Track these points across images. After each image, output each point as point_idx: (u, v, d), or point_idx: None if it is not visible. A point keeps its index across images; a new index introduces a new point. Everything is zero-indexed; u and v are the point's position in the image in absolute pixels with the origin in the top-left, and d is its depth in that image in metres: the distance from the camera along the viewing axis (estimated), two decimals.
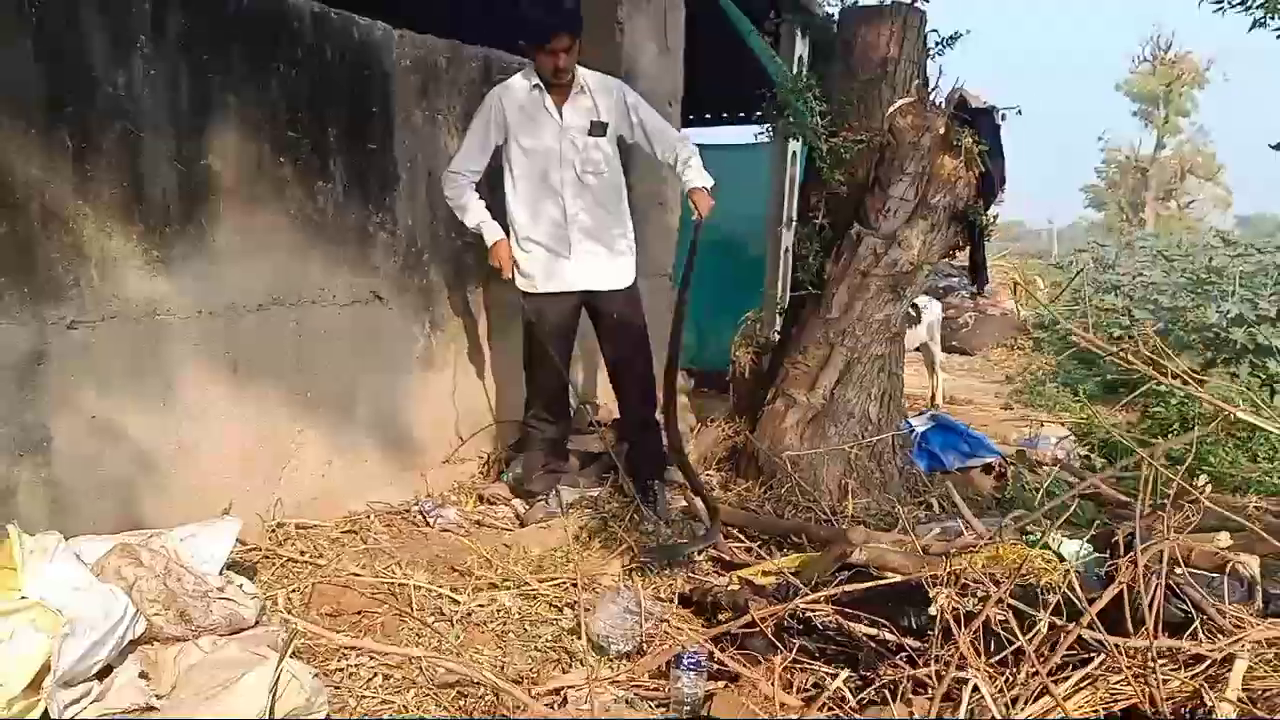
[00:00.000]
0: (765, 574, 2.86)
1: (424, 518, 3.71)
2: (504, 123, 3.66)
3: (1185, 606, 2.02)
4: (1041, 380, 8.33)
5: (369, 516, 3.66)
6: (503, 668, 2.67)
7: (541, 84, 3.64)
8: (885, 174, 3.78)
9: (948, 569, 2.04)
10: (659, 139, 3.80)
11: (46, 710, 2.22)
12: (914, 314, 7.36)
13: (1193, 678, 1.89)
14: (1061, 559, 2.39)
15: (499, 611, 3.02)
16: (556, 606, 3.05)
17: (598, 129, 3.69)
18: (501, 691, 2.29)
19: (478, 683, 2.45)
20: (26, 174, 2.63)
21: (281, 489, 3.43)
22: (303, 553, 3.25)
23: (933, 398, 7.29)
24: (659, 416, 3.94)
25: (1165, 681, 1.86)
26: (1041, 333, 11.57)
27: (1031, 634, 1.89)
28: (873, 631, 2.25)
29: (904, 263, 3.80)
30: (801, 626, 2.40)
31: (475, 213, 3.70)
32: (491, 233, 3.71)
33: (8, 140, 2.58)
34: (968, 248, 4.03)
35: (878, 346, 3.95)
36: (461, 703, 2.46)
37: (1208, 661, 1.94)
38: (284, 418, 3.42)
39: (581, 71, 3.69)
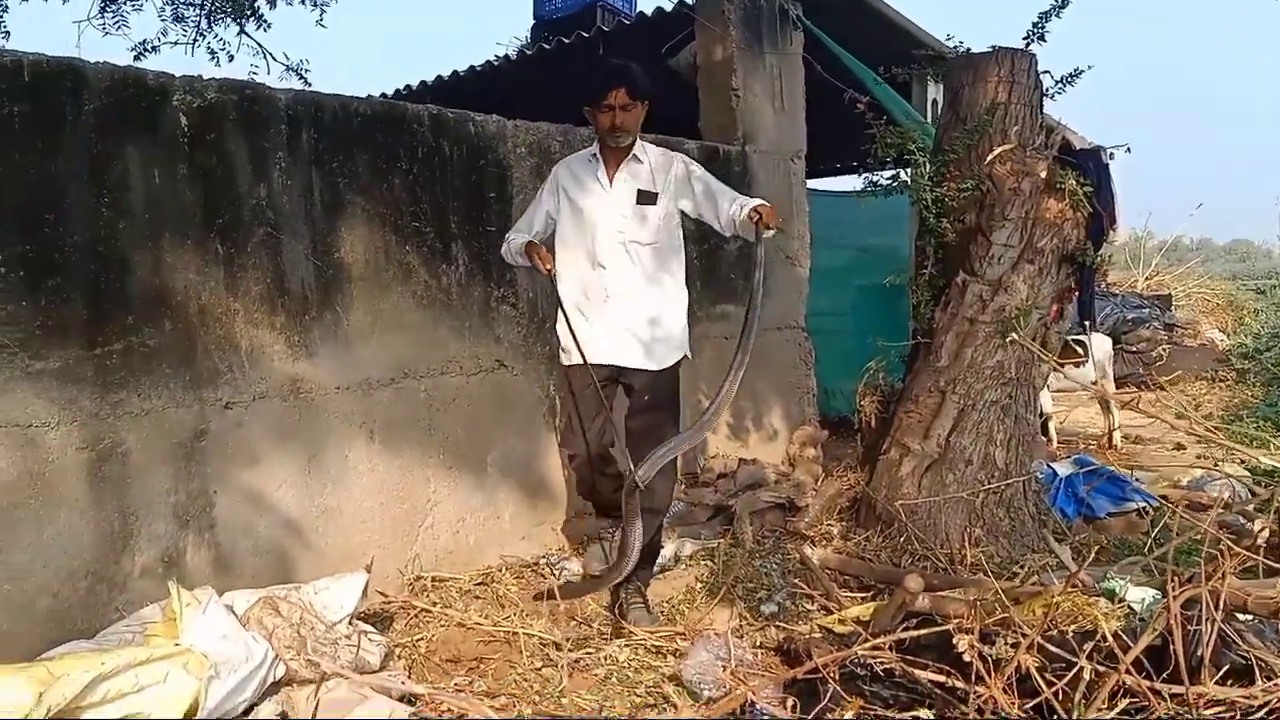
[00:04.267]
0: (842, 623, 2.91)
1: (550, 569, 3.95)
2: (557, 190, 3.53)
3: (1245, 653, 1.96)
4: (1238, 415, 7.77)
5: (501, 569, 3.93)
6: (600, 710, 2.84)
7: (599, 155, 3.48)
8: (987, 221, 3.78)
9: (975, 615, 2.06)
10: (721, 199, 3.47)
11: None
12: (1081, 352, 7.11)
13: None
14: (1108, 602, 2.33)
15: (605, 658, 3.20)
16: (659, 653, 3.20)
17: (646, 198, 3.45)
18: None
19: None
20: (186, 279, 3.08)
21: (418, 545, 3.75)
22: (434, 604, 3.55)
23: (1109, 438, 6.98)
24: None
25: None
26: (1246, 363, 10.70)
27: (1065, 680, 1.89)
28: (940, 678, 2.28)
29: (1011, 308, 3.77)
30: (869, 674, 2.45)
31: (517, 245, 3.49)
32: (521, 242, 3.47)
33: (170, 251, 3.05)
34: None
35: (991, 392, 3.91)
36: None
37: (1263, 708, 1.87)
38: (419, 480, 3.75)
39: (645, 144, 3.53)
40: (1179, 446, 6.55)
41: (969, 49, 4.59)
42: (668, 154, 3.56)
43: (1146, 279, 14.27)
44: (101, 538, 2.91)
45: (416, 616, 3.48)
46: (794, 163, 5.64)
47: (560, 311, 3.43)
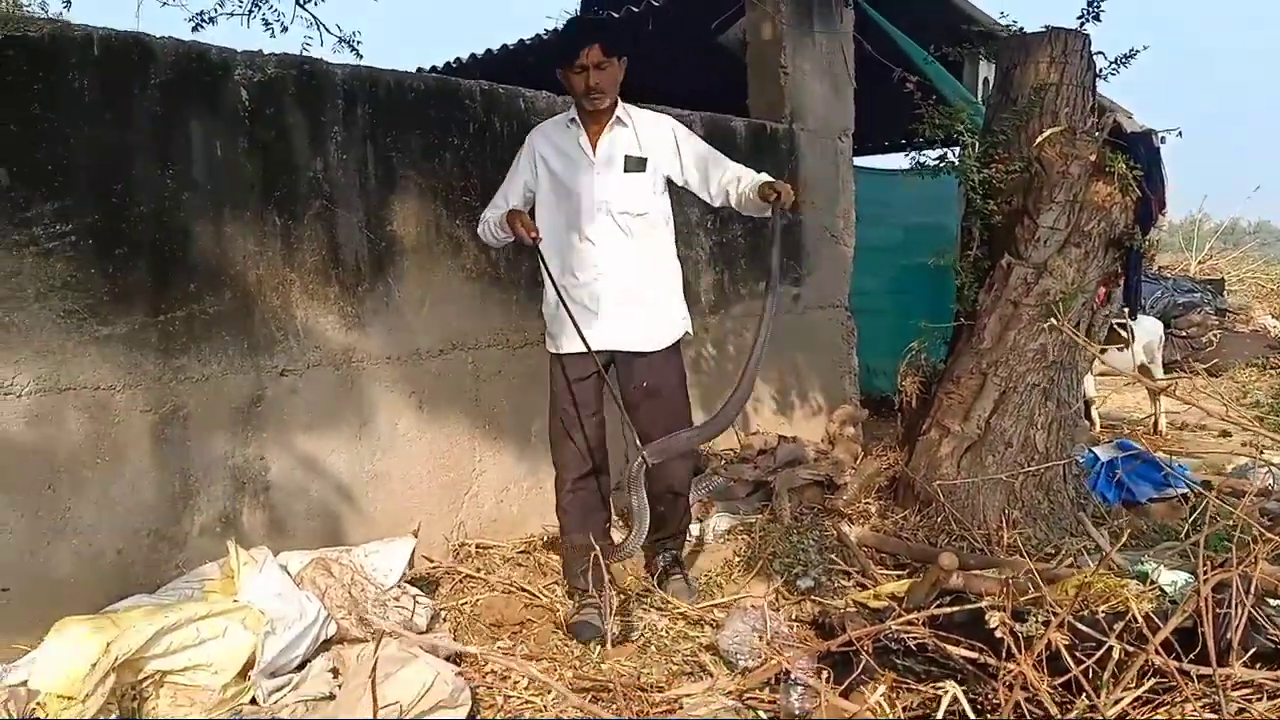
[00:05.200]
0: (877, 598, 2.96)
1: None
2: (534, 159, 3.26)
3: (1274, 638, 1.98)
4: None
5: (543, 538, 4.03)
6: (638, 677, 2.92)
7: (578, 120, 3.22)
8: (1034, 203, 3.77)
9: (1007, 593, 2.10)
10: (714, 167, 3.25)
11: (254, 696, 2.69)
12: (1126, 335, 7.03)
13: (1276, 709, 1.87)
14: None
15: (646, 628, 3.28)
16: (697, 623, 3.27)
17: (634, 164, 3.18)
18: (616, 694, 2.52)
19: (607, 688, 2.71)
20: (245, 249, 3.18)
21: (464, 512, 3.85)
22: (479, 570, 3.65)
23: (1155, 425, 6.92)
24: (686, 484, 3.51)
25: (1241, 711, 1.85)
26: None
27: (1094, 658, 1.93)
28: (972, 655, 2.33)
29: (1055, 291, 3.77)
30: (902, 649, 2.50)
31: (496, 218, 3.24)
32: (500, 215, 3.21)
33: (230, 222, 3.14)
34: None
35: (1033, 375, 3.91)
36: (594, 706, 2.72)
37: None
38: (465, 449, 3.85)
39: (629, 107, 3.27)
40: (1224, 434, 6.49)
41: (1021, 28, 4.55)
42: (655, 116, 3.32)
43: (1199, 263, 14.03)
44: (163, 498, 3.03)
45: (461, 582, 3.59)
46: (841, 141, 5.63)
47: (554, 289, 3.18)
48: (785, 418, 5.38)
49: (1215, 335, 11.09)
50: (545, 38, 6.82)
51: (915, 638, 2.42)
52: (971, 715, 1.89)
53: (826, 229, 5.60)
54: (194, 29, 4.82)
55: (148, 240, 2.96)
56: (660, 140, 3.25)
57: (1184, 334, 10.47)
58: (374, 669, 2.45)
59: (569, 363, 3.25)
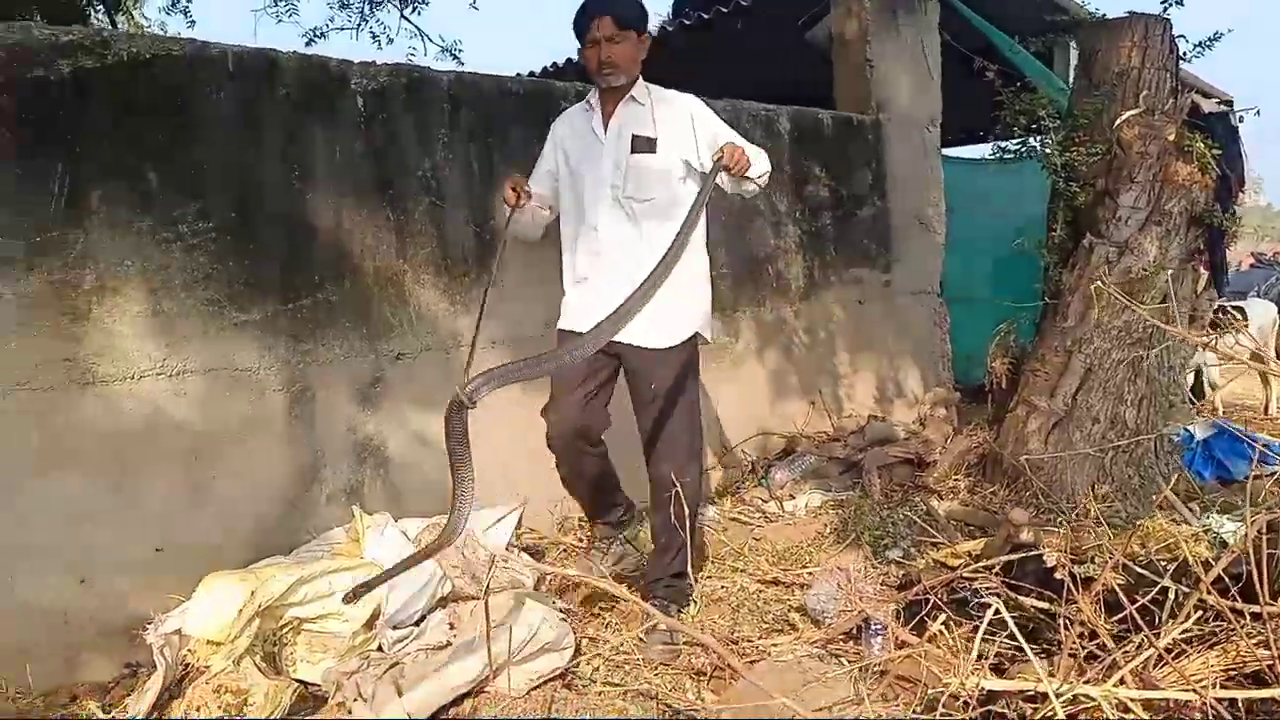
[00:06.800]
0: (955, 556, 3.06)
1: None
2: (556, 145, 3.15)
3: None
4: None
5: (642, 515, 4.22)
6: (731, 633, 3.09)
7: (597, 101, 3.09)
8: (1115, 184, 3.84)
9: (1066, 538, 2.20)
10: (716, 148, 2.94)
11: (379, 644, 2.95)
12: (1240, 317, 6.87)
13: None
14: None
15: (738, 591, 3.45)
16: (787, 588, 3.43)
17: (643, 144, 2.98)
18: (705, 644, 2.68)
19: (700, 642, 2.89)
20: (362, 243, 3.47)
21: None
22: (579, 540, 3.87)
23: (1265, 408, 6.76)
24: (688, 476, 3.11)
25: None
26: None
27: (1148, 597, 2.03)
28: (1042, 604, 2.44)
29: (1138, 269, 3.81)
30: (977, 602, 2.61)
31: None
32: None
33: (349, 219, 3.44)
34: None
35: (1118, 352, 3.95)
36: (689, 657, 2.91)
37: None
38: None
39: (652, 87, 3.08)
40: None
41: (1104, 15, 4.61)
42: (674, 96, 3.10)
43: None
44: (295, 469, 3.34)
45: (565, 552, 3.81)
46: (928, 131, 5.71)
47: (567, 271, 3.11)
48: (878, 401, 5.48)
49: None
50: None
51: (989, 588, 2.54)
52: (1020, 637, 2.00)
53: (916, 216, 5.68)
54: (307, 43, 5.20)
55: (277, 236, 3.28)
56: (676, 121, 3.02)
57: None
58: (486, 614, 2.70)
59: (561, 339, 3.11)
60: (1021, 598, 2.45)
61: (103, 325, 2.94)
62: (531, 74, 7.70)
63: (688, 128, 3.02)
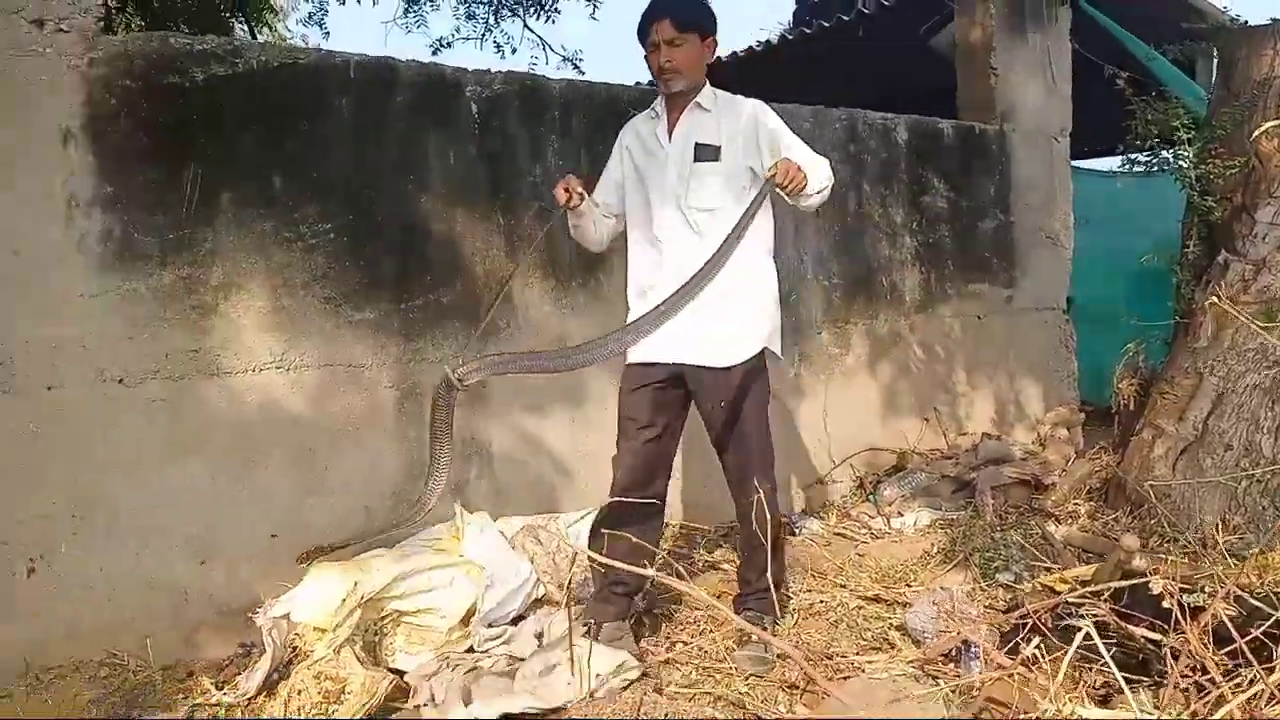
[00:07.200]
0: (1064, 581, 2.93)
1: (791, 527, 4.16)
2: (622, 154, 3.07)
3: None
4: None
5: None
6: (827, 648, 3.03)
7: (662, 110, 3.00)
8: (1252, 198, 3.63)
9: (1175, 566, 2.07)
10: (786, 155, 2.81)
11: (472, 644, 3.01)
12: None
13: None
14: None
15: (838, 606, 3.38)
16: (889, 605, 3.34)
17: (705, 153, 2.87)
18: (792, 657, 2.64)
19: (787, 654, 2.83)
20: (473, 246, 3.56)
21: (669, 494, 4.07)
22: (680, 548, 3.86)
23: None
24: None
25: None
26: None
27: (1259, 630, 1.89)
28: (1151, 634, 2.31)
29: (1276, 288, 3.59)
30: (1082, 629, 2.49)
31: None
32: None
33: (461, 223, 3.53)
34: None
35: (1253, 375, 3.71)
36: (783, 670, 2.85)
37: None
38: None
39: (719, 93, 2.99)
40: None
41: (1245, 21, 4.37)
42: (740, 101, 2.98)
43: None
44: (402, 464, 3.43)
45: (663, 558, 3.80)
46: (1057, 141, 5.51)
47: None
48: (996, 418, 5.30)
49: None
50: (757, 49, 7.04)
51: (1096, 616, 2.42)
52: (1113, 667, 1.90)
53: (1042, 230, 5.49)
54: (433, 52, 5.37)
55: (392, 238, 3.39)
56: (741, 128, 2.91)
57: None
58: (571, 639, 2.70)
59: (627, 372, 3.02)
60: (1131, 626, 2.33)
61: (228, 319, 3.09)
62: (652, 83, 7.76)
63: (752, 134, 2.91)
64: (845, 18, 6.20)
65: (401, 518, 2.66)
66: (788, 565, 3.27)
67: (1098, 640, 1.87)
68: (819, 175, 2.81)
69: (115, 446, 2.94)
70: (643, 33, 2.89)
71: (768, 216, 2.97)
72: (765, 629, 2.88)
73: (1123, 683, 1.83)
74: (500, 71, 3.63)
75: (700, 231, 2.86)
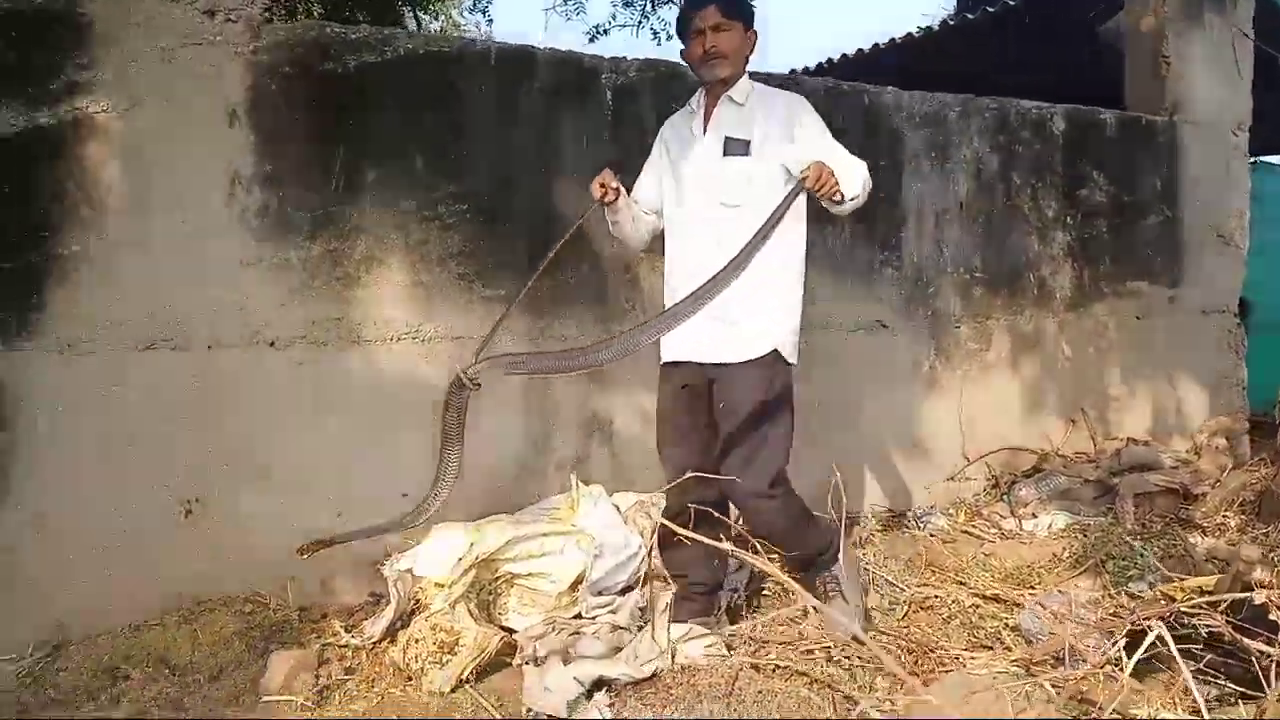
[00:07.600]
0: (1183, 591, 2.78)
1: (916, 522, 4.09)
2: (663, 148, 3.04)
3: None
4: None
5: (868, 515, 4.15)
6: (933, 642, 2.99)
7: (699, 104, 2.96)
8: None
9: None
10: (819, 157, 2.72)
11: (580, 610, 3.12)
12: None
13: None
14: None
15: (952, 603, 3.32)
16: (1006, 605, 3.26)
17: (735, 146, 2.82)
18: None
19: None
20: (603, 230, 3.60)
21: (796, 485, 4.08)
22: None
23: None
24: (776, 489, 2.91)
25: None
26: None
27: None
28: (1268, 648, 2.19)
29: None
30: (1202, 641, 2.37)
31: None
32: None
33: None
34: None
35: None
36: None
37: None
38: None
39: (757, 85, 2.94)
40: None
41: None
42: (776, 92, 2.93)
43: None
44: (527, 437, 3.59)
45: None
46: (1235, 135, 5.16)
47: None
48: (1154, 426, 5.03)
49: None
50: (917, 36, 6.89)
51: (1210, 628, 2.31)
52: (1185, 671, 1.81)
53: (1214, 229, 5.16)
54: (590, 40, 5.52)
55: (524, 219, 3.53)
56: (775, 123, 2.84)
57: None
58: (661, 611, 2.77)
59: (663, 372, 3.03)
60: (1246, 639, 2.21)
61: (369, 290, 3.31)
62: (793, 72, 7.73)
63: (787, 131, 2.84)
64: (1010, 3, 5.99)
65: (402, 519, 2.69)
66: (830, 541, 3.09)
67: (1172, 646, 1.79)
68: (854, 180, 2.75)
69: (264, 403, 3.20)
70: (685, 22, 2.86)
71: (799, 219, 2.91)
72: (830, 596, 2.98)
73: (1191, 682, 1.75)
74: (636, 59, 3.72)
75: (725, 228, 2.79)
